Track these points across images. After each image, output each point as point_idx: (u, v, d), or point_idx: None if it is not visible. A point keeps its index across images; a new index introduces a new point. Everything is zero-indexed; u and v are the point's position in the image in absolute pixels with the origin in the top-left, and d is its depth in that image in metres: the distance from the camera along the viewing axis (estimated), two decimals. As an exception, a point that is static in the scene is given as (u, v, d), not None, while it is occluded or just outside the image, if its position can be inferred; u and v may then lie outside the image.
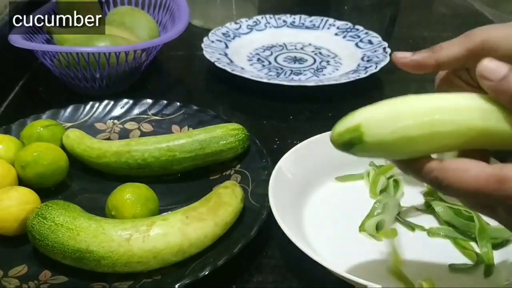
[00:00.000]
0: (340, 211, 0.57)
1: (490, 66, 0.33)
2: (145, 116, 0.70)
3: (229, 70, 0.81)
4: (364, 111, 0.35)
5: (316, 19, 1.01)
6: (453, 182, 0.33)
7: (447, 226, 0.54)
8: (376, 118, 0.34)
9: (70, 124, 0.68)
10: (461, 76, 0.40)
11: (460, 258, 0.51)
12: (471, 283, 0.48)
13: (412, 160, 0.35)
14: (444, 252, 0.52)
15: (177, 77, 0.92)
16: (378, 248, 0.51)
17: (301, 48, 0.96)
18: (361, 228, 0.54)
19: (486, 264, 0.49)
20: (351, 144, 0.34)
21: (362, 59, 0.89)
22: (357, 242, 0.53)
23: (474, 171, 0.32)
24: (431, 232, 0.54)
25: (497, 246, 0.51)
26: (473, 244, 0.52)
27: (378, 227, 0.54)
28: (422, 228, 0.54)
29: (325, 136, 0.59)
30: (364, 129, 0.33)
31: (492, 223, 0.53)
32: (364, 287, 0.43)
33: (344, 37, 0.96)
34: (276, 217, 0.49)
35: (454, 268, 0.50)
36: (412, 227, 0.54)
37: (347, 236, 0.54)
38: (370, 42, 0.93)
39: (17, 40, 0.73)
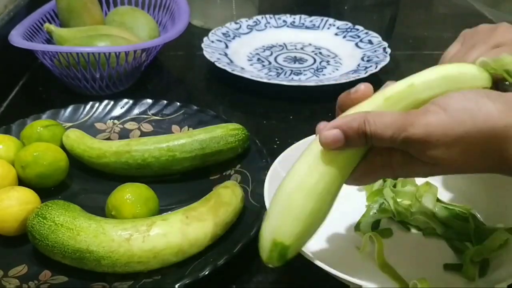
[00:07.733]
0: (337, 211, 0.56)
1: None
2: (145, 116, 0.70)
3: (229, 70, 0.81)
4: (267, 227, 0.39)
5: (316, 19, 1.01)
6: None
7: (443, 226, 0.54)
8: (278, 225, 0.39)
9: (70, 124, 0.68)
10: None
11: (454, 258, 0.51)
12: (465, 283, 0.48)
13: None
14: (439, 252, 0.52)
15: (177, 77, 0.92)
16: (373, 248, 0.51)
17: (301, 48, 0.96)
18: (357, 227, 0.54)
19: (481, 264, 0.49)
20: (283, 256, 0.39)
21: (362, 59, 0.89)
22: (354, 242, 0.52)
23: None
24: (426, 232, 0.54)
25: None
26: (467, 244, 0.52)
27: (374, 226, 0.54)
28: (417, 228, 0.54)
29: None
30: (279, 239, 0.39)
31: (488, 222, 0.53)
32: (359, 287, 0.43)
33: (344, 37, 0.96)
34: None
35: (448, 268, 0.49)
36: (407, 226, 0.54)
37: (343, 236, 0.53)
38: (370, 42, 0.93)
39: (17, 40, 0.73)
